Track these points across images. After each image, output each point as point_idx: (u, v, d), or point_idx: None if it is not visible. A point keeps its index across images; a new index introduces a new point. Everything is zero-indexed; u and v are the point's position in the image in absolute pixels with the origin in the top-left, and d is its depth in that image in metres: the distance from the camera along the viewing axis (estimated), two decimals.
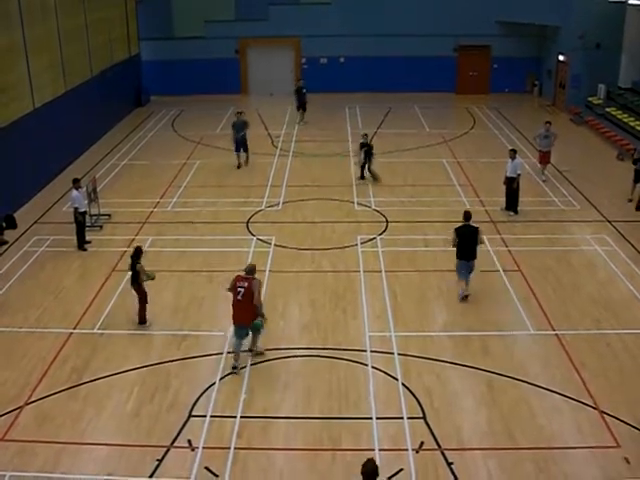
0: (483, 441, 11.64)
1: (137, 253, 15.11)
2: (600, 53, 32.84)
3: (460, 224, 16.06)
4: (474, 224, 16.16)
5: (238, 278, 13.57)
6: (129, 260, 15.28)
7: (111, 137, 31.03)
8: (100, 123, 30.94)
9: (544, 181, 24.21)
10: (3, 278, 17.61)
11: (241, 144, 26.46)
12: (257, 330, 13.78)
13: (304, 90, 33.12)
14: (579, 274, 17.56)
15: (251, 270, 13.71)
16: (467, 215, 16.10)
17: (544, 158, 24.35)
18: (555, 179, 24.46)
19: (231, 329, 14.09)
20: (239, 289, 13.38)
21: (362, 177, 24.68)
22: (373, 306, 16.01)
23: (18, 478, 10.89)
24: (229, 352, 13.97)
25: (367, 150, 24.54)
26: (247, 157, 26.79)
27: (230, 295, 13.62)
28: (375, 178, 24.50)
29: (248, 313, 13.43)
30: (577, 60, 33.95)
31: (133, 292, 15.27)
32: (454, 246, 15.97)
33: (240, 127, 26.52)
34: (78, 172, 24.15)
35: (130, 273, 15.28)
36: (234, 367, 13.53)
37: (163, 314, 15.80)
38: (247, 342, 13.95)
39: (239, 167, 26.43)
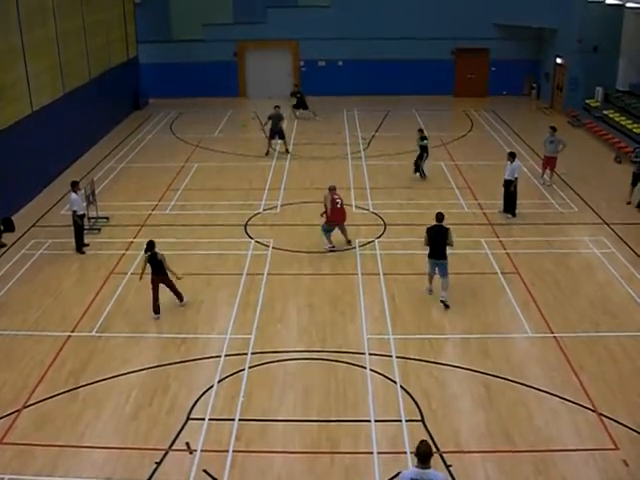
0: (481, 444, 11.64)
1: (151, 246, 15.62)
2: (598, 56, 32.89)
3: (432, 224, 16.21)
4: (446, 225, 16.24)
5: (332, 194, 18.90)
6: (144, 255, 15.76)
7: (109, 140, 31.04)
8: (98, 126, 30.94)
9: (548, 185, 24.19)
10: (1, 281, 17.59)
11: (277, 133, 28.45)
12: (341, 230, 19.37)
13: (299, 94, 34.41)
14: (577, 277, 17.57)
15: (334, 188, 19.13)
16: (439, 216, 16.29)
17: (548, 163, 24.28)
18: (553, 182, 24.46)
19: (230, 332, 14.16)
20: (337, 200, 18.88)
21: (422, 175, 25.26)
22: (371, 309, 16.02)
23: None
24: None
25: (423, 147, 25.00)
26: (285, 144, 28.91)
27: None
28: (422, 175, 25.23)
29: (344, 215, 19.23)
30: (575, 63, 34.01)
31: (162, 285, 15.77)
32: (426, 244, 16.24)
33: (277, 119, 28.28)
34: (76, 175, 24.13)
35: (150, 268, 15.69)
36: (332, 248, 19.19)
37: (161, 317, 15.79)
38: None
39: (267, 154, 28.36)
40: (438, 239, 16.02)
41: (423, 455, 8.62)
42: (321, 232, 19.29)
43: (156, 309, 15.69)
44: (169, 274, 15.75)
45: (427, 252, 16.35)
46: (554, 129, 24.24)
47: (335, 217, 19.05)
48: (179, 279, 15.96)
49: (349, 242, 19.42)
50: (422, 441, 8.88)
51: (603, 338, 14.73)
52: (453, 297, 16.34)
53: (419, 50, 38.22)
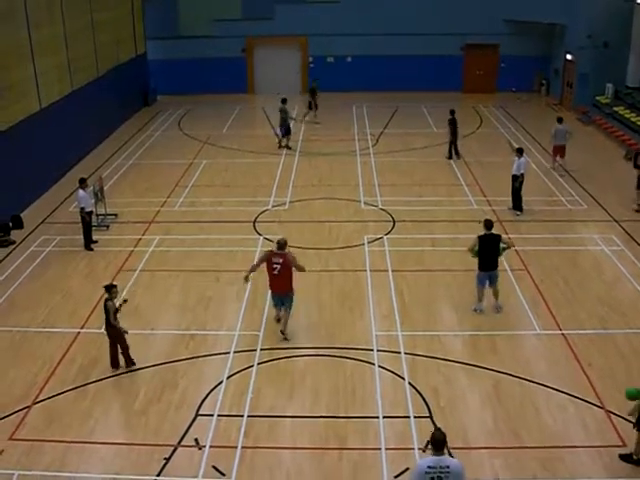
0: (489, 440, 11.65)
1: (107, 289, 13.60)
2: (608, 52, 32.75)
3: (484, 233, 15.43)
4: (495, 232, 15.68)
5: (272, 254, 14.42)
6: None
7: (118, 137, 31.12)
8: (107, 123, 31.02)
9: (562, 176, 24.64)
10: (10, 278, 17.67)
11: (285, 128, 28.73)
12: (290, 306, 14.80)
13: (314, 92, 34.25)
14: (586, 274, 17.53)
15: (283, 245, 14.49)
16: (489, 224, 15.45)
17: (555, 151, 25.17)
18: (562, 178, 24.43)
19: (239, 328, 14.19)
20: (275, 265, 14.28)
21: (450, 157, 26.83)
22: (380, 305, 16.02)
23: (26, 477, 10.93)
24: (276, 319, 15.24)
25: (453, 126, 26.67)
26: (288, 140, 29.01)
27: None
28: (454, 156, 26.86)
29: (284, 285, 14.53)
30: (585, 59, 33.86)
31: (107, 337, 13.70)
32: (470, 249, 15.48)
33: (286, 113, 28.69)
34: (85, 172, 24.21)
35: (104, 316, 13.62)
36: (277, 319, 15.13)
37: (170, 313, 15.85)
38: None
39: (282, 147, 28.85)
40: (491, 249, 15.25)
41: (437, 442, 8.72)
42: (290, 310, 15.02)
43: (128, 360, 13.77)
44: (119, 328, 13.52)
45: (478, 264, 15.46)
46: (558, 119, 25.44)
47: (271, 285, 14.78)
48: (125, 333, 13.55)
49: (282, 332, 14.68)
50: (436, 429, 9.12)
51: (611, 335, 14.69)
52: (460, 294, 16.35)
53: (428, 46, 38.16)
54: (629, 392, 11.19)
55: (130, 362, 13.76)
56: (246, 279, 14.81)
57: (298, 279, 17.05)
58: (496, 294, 15.74)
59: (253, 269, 14.83)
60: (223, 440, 11.72)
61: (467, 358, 13.93)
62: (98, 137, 29.80)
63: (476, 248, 15.39)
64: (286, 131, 28.71)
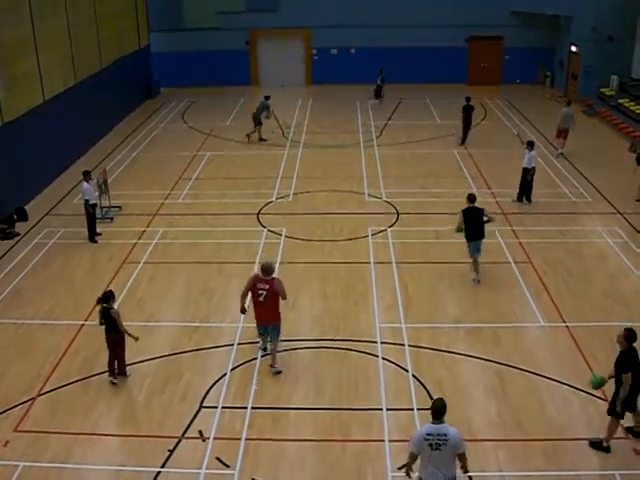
0: (493, 432, 11.66)
1: (106, 298, 12.93)
2: (613, 44, 32.54)
3: (466, 206, 16.45)
4: (479, 206, 16.65)
5: (257, 279, 13.02)
6: (99, 309, 13.04)
7: (121, 129, 31.10)
8: (110, 115, 30.99)
9: (557, 156, 25.77)
10: (15, 270, 17.70)
11: (254, 120, 28.61)
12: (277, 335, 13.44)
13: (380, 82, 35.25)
14: (590, 266, 17.50)
15: (269, 270, 13.08)
16: (471, 197, 16.62)
17: (558, 134, 26.31)
18: (566, 170, 24.38)
19: (242, 321, 14.42)
20: (260, 291, 12.92)
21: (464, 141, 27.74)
22: (384, 297, 16.01)
23: (32, 468, 10.97)
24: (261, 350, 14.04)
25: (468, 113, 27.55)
26: (253, 132, 28.88)
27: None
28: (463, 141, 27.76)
29: (270, 314, 13.16)
30: (590, 51, 33.69)
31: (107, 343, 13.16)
32: (458, 228, 16.40)
33: (259, 108, 28.63)
34: (88, 164, 24.23)
35: (103, 324, 13.02)
36: (264, 348, 13.91)
37: (174, 305, 15.87)
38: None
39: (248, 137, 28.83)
40: (474, 220, 16.28)
41: (435, 411, 9.00)
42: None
43: (112, 371, 13.16)
44: (126, 336, 13.04)
45: (465, 235, 16.46)
46: (568, 103, 26.85)
47: (256, 313, 13.36)
48: (136, 340, 13.11)
49: (272, 366, 13.38)
50: (438, 398, 9.29)
51: (615, 328, 14.50)
52: (464, 286, 16.37)
53: (432, 38, 37.94)
54: (595, 382, 11.35)
55: (124, 370, 13.25)
56: (243, 311, 13.45)
57: (302, 271, 17.17)
58: (476, 266, 16.46)
59: (244, 296, 13.29)
60: (227, 432, 11.75)
61: (471, 350, 13.93)
62: (102, 130, 29.78)
63: (462, 225, 16.34)
64: (256, 123, 28.53)
